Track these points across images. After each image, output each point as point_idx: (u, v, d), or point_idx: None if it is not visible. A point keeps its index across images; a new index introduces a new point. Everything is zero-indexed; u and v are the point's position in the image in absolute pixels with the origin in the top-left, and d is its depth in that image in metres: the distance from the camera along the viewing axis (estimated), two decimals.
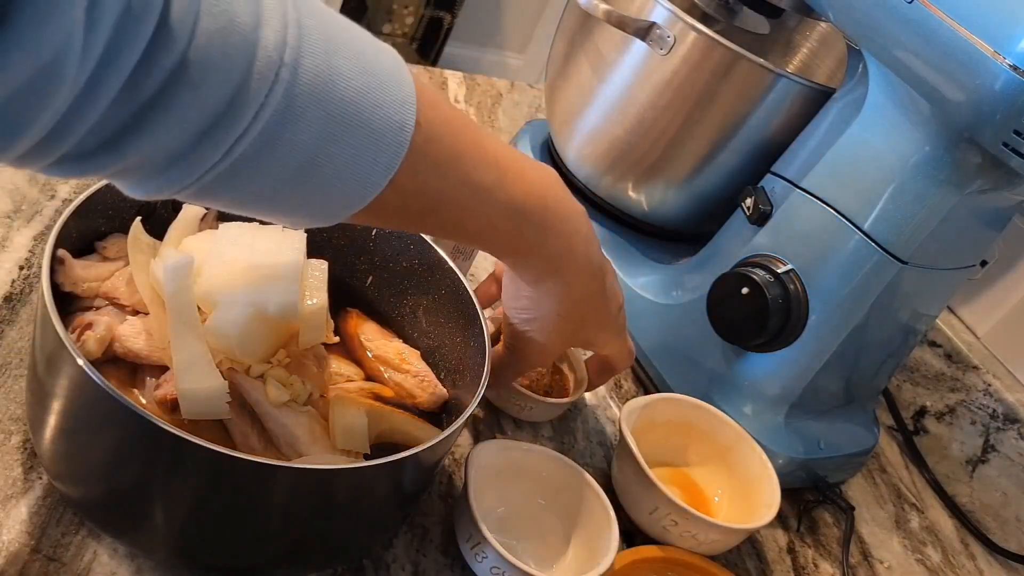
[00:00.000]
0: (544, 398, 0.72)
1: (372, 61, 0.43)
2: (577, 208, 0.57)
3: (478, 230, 0.52)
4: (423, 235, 0.64)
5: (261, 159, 0.40)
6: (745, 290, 0.73)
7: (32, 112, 0.32)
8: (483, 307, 0.63)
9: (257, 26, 0.37)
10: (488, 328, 0.60)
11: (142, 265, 0.56)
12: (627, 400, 0.74)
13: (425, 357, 0.65)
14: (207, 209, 0.61)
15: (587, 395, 0.81)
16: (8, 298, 0.64)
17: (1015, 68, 0.61)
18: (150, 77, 0.35)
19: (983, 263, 0.81)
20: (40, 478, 0.55)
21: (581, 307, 0.60)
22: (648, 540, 0.68)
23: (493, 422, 0.74)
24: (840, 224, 0.72)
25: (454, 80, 1.20)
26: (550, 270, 0.57)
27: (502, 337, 0.64)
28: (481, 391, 0.54)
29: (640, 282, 0.87)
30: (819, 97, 0.79)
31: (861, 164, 0.72)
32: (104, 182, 0.55)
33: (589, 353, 0.72)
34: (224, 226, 0.58)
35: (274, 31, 0.38)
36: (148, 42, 0.34)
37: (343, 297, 0.65)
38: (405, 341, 0.66)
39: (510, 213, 0.52)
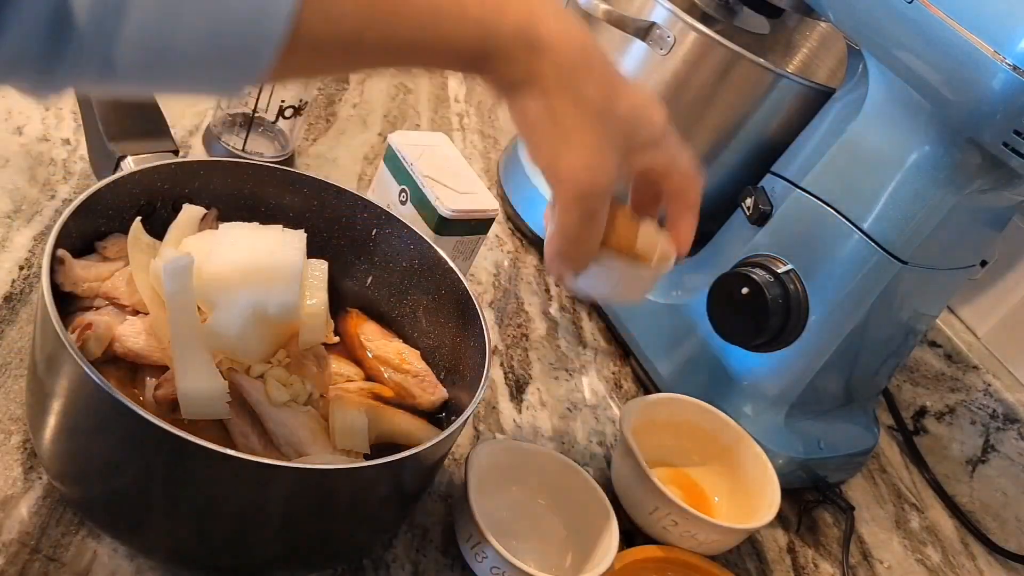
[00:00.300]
0: (629, 260, 0.54)
1: None
2: None
3: (420, 35, 0.44)
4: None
5: (158, 16, 0.36)
6: (745, 290, 0.73)
7: None
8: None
9: None
10: (488, 328, 0.60)
11: (142, 265, 0.56)
12: (627, 400, 0.74)
13: (425, 357, 0.65)
14: (207, 209, 0.61)
15: (587, 395, 0.81)
16: (8, 298, 0.64)
17: (1015, 68, 0.61)
18: None
19: (983, 263, 0.81)
20: (40, 478, 0.55)
21: (595, 94, 0.47)
22: (648, 540, 0.68)
23: (493, 422, 0.74)
24: (840, 224, 0.72)
25: (454, 80, 1.20)
26: (531, 52, 0.46)
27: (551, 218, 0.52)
28: (481, 391, 0.54)
29: None
30: (819, 97, 0.79)
31: (861, 164, 0.72)
32: (103, 182, 0.55)
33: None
34: (224, 226, 0.58)
35: None
36: None
37: (343, 297, 0.65)
38: (405, 341, 0.66)
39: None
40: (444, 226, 0.71)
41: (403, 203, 0.74)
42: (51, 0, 0.35)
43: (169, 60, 0.38)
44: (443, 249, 0.64)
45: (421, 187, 0.72)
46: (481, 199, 0.74)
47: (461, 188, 0.73)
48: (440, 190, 0.72)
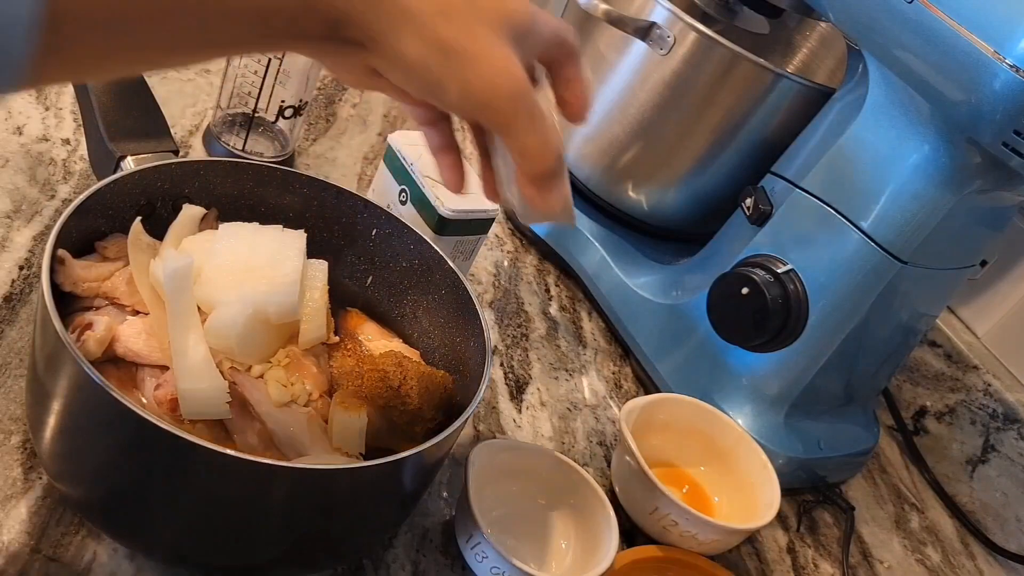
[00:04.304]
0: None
1: None
2: None
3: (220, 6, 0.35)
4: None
5: None
6: (745, 290, 0.73)
7: None
8: (422, 124, 0.49)
9: None
10: (488, 326, 0.60)
11: (142, 265, 0.56)
12: (627, 400, 0.74)
13: (425, 357, 0.65)
14: (207, 209, 0.61)
15: (587, 395, 0.81)
16: (8, 298, 0.64)
17: (1015, 68, 0.61)
18: None
19: (983, 263, 0.81)
20: (40, 478, 0.55)
21: (457, 8, 0.41)
22: (648, 540, 0.68)
23: (493, 422, 0.74)
24: (840, 224, 0.72)
25: None
26: (382, 19, 0.40)
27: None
28: (481, 391, 0.54)
29: (640, 282, 0.87)
30: (819, 97, 0.79)
31: (861, 164, 0.72)
32: (103, 182, 0.55)
33: None
34: (224, 226, 0.58)
35: None
36: None
37: (343, 297, 0.65)
38: (405, 341, 0.66)
39: None
40: (444, 226, 0.71)
41: (403, 203, 0.75)
42: None
43: None
44: (443, 249, 0.64)
45: (421, 187, 0.72)
46: (481, 199, 0.74)
47: None
48: (440, 190, 0.72)
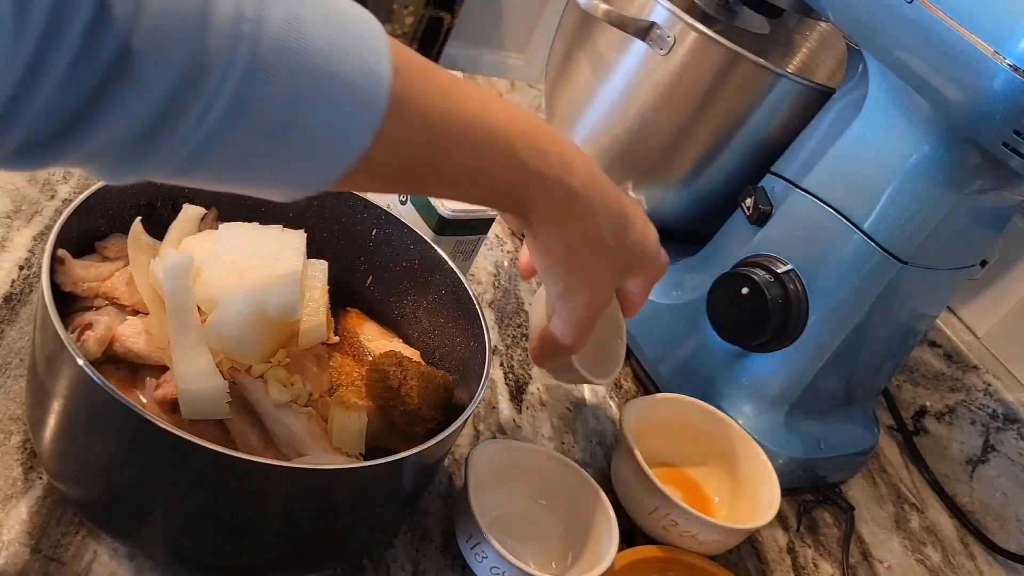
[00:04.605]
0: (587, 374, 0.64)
1: (335, 8, 0.40)
2: (558, 131, 0.53)
3: (474, 171, 0.48)
4: (425, 236, 0.64)
5: (236, 125, 0.37)
6: (745, 290, 0.73)
7: None
8: (525, 278, 0.60)
9: None
10: (488, 326, 0.60)
11: (142, 265, 0.56)
12: (627, 400, 0.74)
13: (425, 357, 0.65)
14: (207, 209, 0.61)
15: (587, 395, 0.81)
16: (8, 298, 0.64)
17: (1015, 68, 0.61)
18: (100, 51, 0.33)
19: (983, 263, 0.81)
20: (40, 478, 0.55)
21: (610, 234, 0.54)
22: (648, 540, 0.68)
23: (493, 422, 0.74)
24: (840, 224, 0.72)
25: None
26: (564, 201, 0.52)
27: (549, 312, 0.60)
28: (481, 391, 0.54)
29: None
30: (819, 97, 0.79)
31: (861, 164, 0.72)
32: (104, 182, 0.55)
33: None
34: (224, 226, 0.58)
35: None
36: (91, 14, 0.32)
37: (343, 297, 0.65)
38: (405, 341, 0.66)
39: (504, 143, 0.48)
40: (444, 226, 0.71)
41: (403, 203, 0.74)
42: (158, 103, 0.35)
43: (242, 170, 0.40)
44: (443, 249, 0.64)
45: None
46: None
47: None
48: None
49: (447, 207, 0.71)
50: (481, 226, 0.74)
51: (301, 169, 0.41)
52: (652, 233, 0.59)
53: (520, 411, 0.76)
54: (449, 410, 0.58)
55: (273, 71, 0.37)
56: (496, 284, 0.89)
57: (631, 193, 0.90)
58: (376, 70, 0.40)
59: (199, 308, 0.53)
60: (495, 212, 0.74)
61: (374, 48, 0.41)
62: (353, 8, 0.42)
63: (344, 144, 0.41)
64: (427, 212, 0.72)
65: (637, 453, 0.67)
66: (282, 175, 0.42)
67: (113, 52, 0.33)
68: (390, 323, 0.67)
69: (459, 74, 1.18)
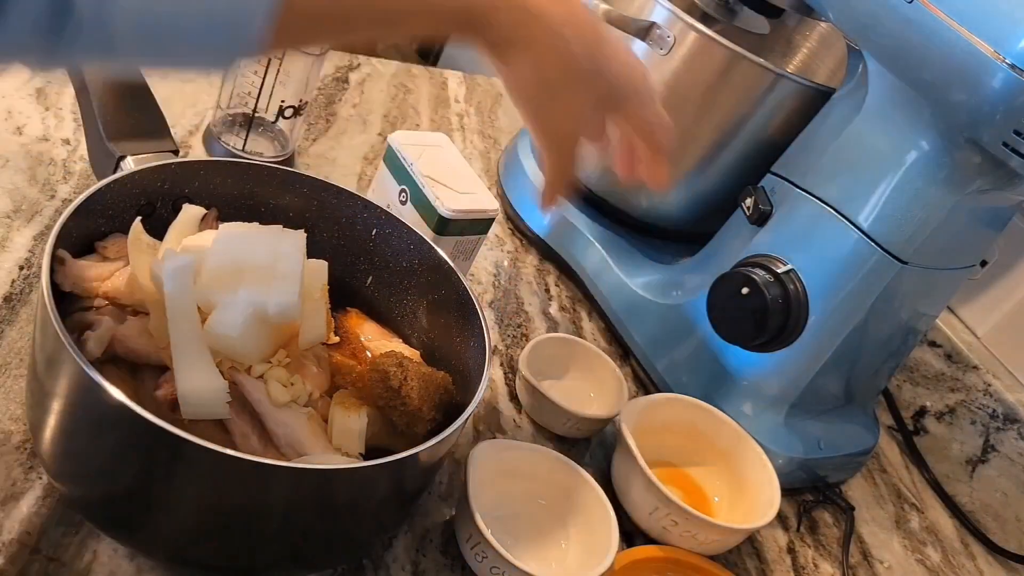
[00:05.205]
0: (583, 413, 0.72)
1: None
2: None
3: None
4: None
5: None
6: (745, 290, 0.73)
7: None
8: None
9: None
10: (488, 325, 0.60)
11: (142, 265, 0.56)
12: (627, 400, 0.74)
13: (425, 357, 0.65)
14: (207, 209, 0.61)
15: None
16: (8, 298, 0.64)
17: (1015, 68, 0.61)
18: None
19: (983, 263, 0.81)
20: (40, 478, 0.55)
21: (583, 55, 0.52)
22: (648, 540, 0.68)
23: (493, 422, 0.74)
24: (840, 224, 0.72)
25: (454, 80, 1.20)
26: (521, 21, 0.50)
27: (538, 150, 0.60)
28: (481, 391, 0.54)
29: (640, 282, 0.87)
30: (819, 97, 0.79)
31: (861, 164, 0.72)
32: (103, 182, 0.55)
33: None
34: (224, 226, 0.58)
35: None
36: None
37: (343, 297, 0.65)
38: (405, 341, 0.66)
39: None
40: (444, 226, 0.71)
41: (403, 203, 0.74)
42: None
43: (164, 35, 0.40)
44: (443, 249, 0.64)
45: (421, 187, 0.72)
46: (481, 199, 0.74)
47: (461, 188, 0.73)
48: (440, 190, 0.72)
49: (447, 207, 0.71)
50: (481, 226, 0.74)
51: (222, 26, 0.41)
52: (638, 64, 0.57)
53: (520, 411, 0.76)
54: (449, 410, 0.58)
55: None
56: (496, 284, 0.89)
57: (631, 193, 0.90)
58: None
59: (199, 308, 0.53)
60: (495, 212, 0.74)
61: None
62: None
63: None
64: (427, 212, 0.72)
65: (637, 453, 0.67)
66: (206, 37, 0.41)
67: None
68: (390, 323, 0.67)
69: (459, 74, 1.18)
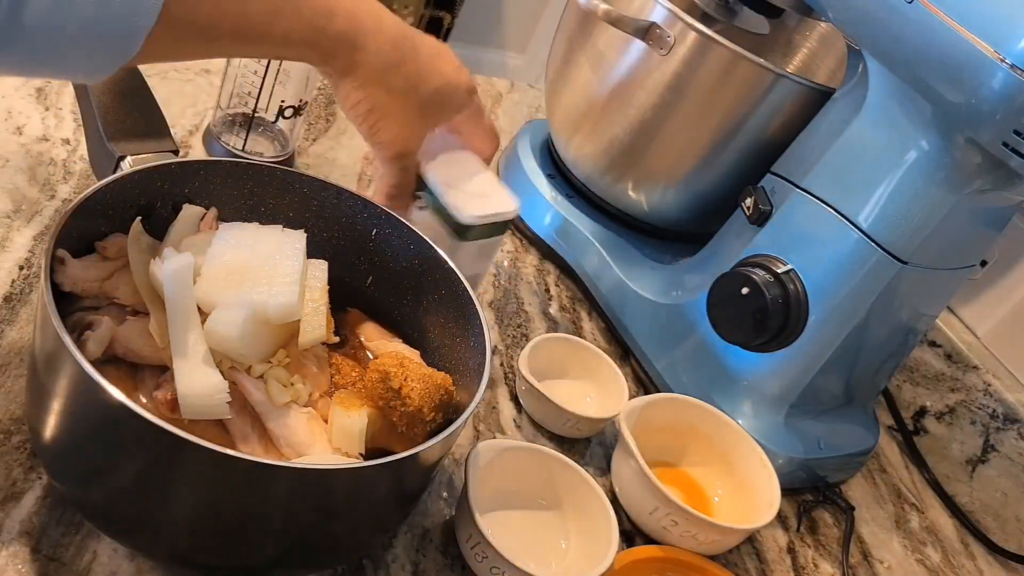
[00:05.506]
0: (583, 413, 0.73)
1: None
2: None
3: (262, 23, 0.53)
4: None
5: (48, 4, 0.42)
6: (745, 290, 0.73)
7: None
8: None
9: None
10: (487, 323, 0.60)
11: (142, 265, 0.56)
12: (627, 400, 0.74)
13: (425, 357, 0.65)
14: (207, 209, 0.61)
15: None
16: (8, 298, 0.64)
17: (1015, 68, 0.61)
18: None
19: (983, 263, 0.81)
20: (40, 478, 0.55)
21: (404, 84, 0.61)
22: (648, 540, 0.68)
23: (493, 422, 0.74)
24: (840, 224, 0.72)
25: None
26: (351, 54, 0.58)
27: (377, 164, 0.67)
28: (481, 391, 0.54)
29: (640, 282, 0.87)
30: (819, 97, 0.79)
31: (861, 164, 0.72)
32: (103, 182, 0.55)
33: None
34: (224, 226, 0.58)
35: None
36: None
37: (343, 297, 0.65)
38: (405, 341, 0.66)
39: (292, 3, 0.53)
40: (465, 231, 0.69)
41: (421, 209, 0.72)
42: None
43: (58, 43, 0.44)
44: (465, 254, 0.64)
45: (438, 195, 0.70)
46: (499, 200, 0.71)
47: (477, 191, 0.71)
48: (457, 197, 0.69)
49: (467, 213, 0.69)
50: (500, 228, 0.72)
51: (108, 39, 0.45)
52: (462, 78, 0.66)
53: (520, 411, 0.76)
54: (449, 410, 0.58)
55: None
56: (496, 284, 0.89)
57: (630, 193, 0.90)
58: None
59: (199, 308, 0.53)
60: (514, 212, 0.72)
61: None
62: None
63: (143, 3, 0.45)
64: (446, 219, 0.70)
65: (637, 453, 0.67)
66: (93, 47, 0.45)
67: None
68: (390, 323, 0.67)
69: None
